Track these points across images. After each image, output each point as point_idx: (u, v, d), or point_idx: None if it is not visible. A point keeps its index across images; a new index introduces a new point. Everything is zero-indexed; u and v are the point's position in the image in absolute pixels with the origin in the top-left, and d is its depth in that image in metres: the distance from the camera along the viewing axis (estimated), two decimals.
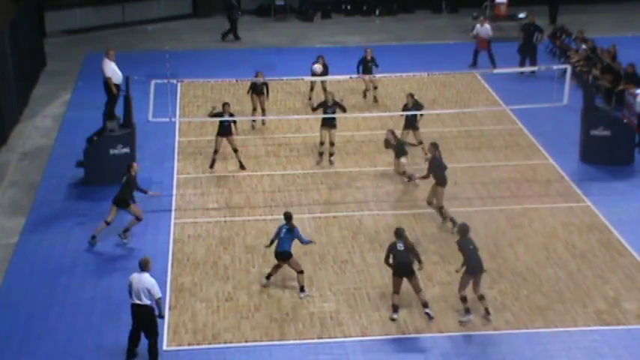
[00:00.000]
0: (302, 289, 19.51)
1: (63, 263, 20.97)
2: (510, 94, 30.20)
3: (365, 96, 30.24)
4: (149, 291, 17.02)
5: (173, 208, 23.44)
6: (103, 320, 18.57)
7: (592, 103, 26.02)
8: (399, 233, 18.70)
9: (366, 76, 29.11)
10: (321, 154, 25.68)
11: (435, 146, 22.40)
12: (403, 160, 24.31)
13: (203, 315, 18.84)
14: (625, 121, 26.43)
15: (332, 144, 25.53)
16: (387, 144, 24.49)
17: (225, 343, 17.97)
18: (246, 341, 18.00)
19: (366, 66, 29.54)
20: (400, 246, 18.49)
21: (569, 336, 18.15)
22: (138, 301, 17.08)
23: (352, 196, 23.79)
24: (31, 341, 18.08)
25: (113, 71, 24.99)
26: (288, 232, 19.63)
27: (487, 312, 18.64)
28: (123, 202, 21.52)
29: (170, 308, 19.04)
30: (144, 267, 17.26)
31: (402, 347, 17.81)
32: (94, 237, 21.57)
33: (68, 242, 21.88)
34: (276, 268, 19.81)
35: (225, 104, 25.37)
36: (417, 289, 18.52)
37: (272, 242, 19.88)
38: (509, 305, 19.14)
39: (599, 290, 19.69)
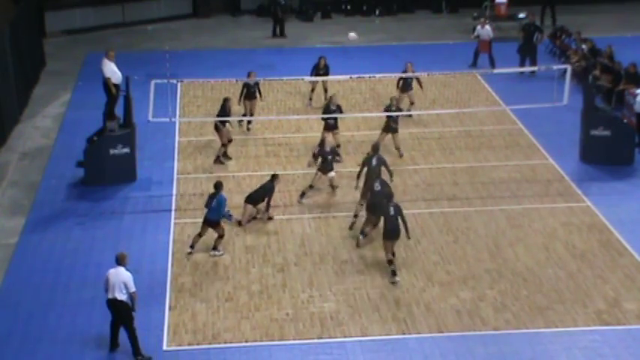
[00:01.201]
0: (215, 248, 21.11)
1: (63, 263, 20.98)
2: (510, 94, 30.19)
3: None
4: (125, 284, 17.09)
5: (173, 208, 23.44)
6: (103, 320, 18.50)
7: (592, 103, 26.03)
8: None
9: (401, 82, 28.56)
10: None
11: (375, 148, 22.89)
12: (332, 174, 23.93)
13: (203, 315, 18.84)
14: (625, 121, 26.44)
15: (337, 145, 25.56)
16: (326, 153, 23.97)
17: (225, 343, 17.97)
18: (246, 341, 18.00)
19: (405, 81, 28.53)
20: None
21: (569, 336, 18.15)
22: (113, 296, 17.16)
23: (352, 196, 23.75)
24: (31, 341, 18.08)
25: (112, 71, 24.98)
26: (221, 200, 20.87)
27: (393, 273, 19.83)
28: (253, 200, 22.44)
29: (170, 308, 19.05)
30: (120, 261, 17.38)
31: (402, 347, 17.81)
32: (239, 221, 22.39)
33: (68, 242, 21.88)
34: (204, 232, 21.05)
35: (226, 99, 25.72)
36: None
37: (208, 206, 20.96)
38: (509, 305, 19.15)
39: (599, 290, 19.70)
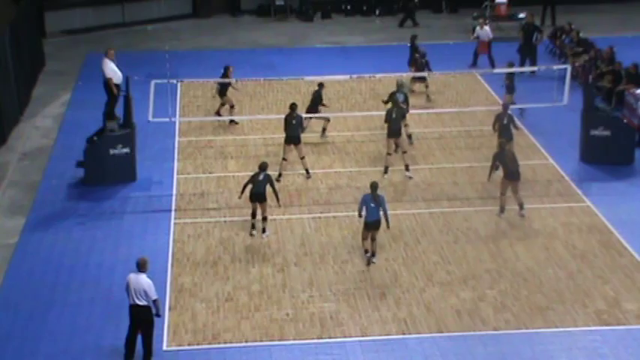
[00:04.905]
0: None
1: (63, 263, 20.98)
2: None
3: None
4: (145, 292, 16.96)
5: (173, 208, 23.45)
6: (103, 320, 18.56)
7: (592, 103, 26.03)
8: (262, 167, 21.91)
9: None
10: None
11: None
12: None
13: (203, 315, 18.84)
14: (625, 121, 26.44)
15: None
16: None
17: (225, 343, 17.97)
18: (246, 341, 18.00)
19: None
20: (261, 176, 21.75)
21: (569, 336, 18.15)
22: (134, 302, 17.03)
23: (352, 196, 23.78)
24: (31, 341, 18.07)
25: (113, 71, 25.00)
26: (376, 202, 20.47)
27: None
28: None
29: (170, 308, 19.04)
30: (141, 268, 17.16)
31: (402, 347, 17.82)
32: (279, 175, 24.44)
33: (68, 242, 21.88)
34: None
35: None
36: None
37: (360, 214, 20.82)
38: (509, 305, 19.15)
39: (599, 290, 19.70)
